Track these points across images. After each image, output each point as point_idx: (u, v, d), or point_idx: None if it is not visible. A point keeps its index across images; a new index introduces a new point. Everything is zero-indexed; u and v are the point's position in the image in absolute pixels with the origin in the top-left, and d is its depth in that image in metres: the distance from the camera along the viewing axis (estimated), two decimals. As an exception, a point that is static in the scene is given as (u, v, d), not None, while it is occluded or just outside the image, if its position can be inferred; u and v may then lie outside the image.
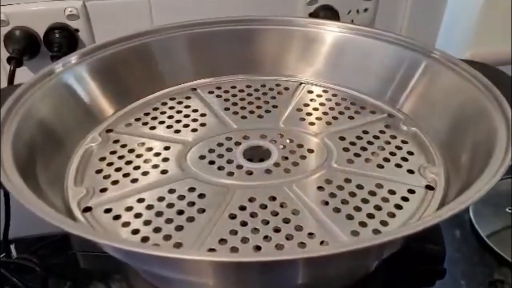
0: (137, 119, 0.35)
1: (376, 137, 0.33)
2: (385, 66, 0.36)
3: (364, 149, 0.32)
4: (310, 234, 0.26)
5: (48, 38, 0.51)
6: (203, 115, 0.35)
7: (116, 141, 0.33)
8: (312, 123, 0.35)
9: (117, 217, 0.27)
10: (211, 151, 0.32)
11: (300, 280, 0.23)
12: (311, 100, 0.37)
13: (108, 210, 0.27)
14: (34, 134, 0.29)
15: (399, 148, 0.32)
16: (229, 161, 0.31)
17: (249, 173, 0.30)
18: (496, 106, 0.28)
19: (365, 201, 0.28)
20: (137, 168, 0.31)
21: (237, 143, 0.32)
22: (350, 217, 0.27)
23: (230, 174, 0.30)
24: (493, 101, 0.29)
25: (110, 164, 0.31)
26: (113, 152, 0.32)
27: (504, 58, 0.60)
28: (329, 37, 0.38)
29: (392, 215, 0.27)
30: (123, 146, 0.32)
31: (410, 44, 0.35)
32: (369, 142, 0.33)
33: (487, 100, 0.29)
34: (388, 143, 0.33)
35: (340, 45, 0.38)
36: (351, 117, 0.35)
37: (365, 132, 0.34)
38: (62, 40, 0.50)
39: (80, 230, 0.21)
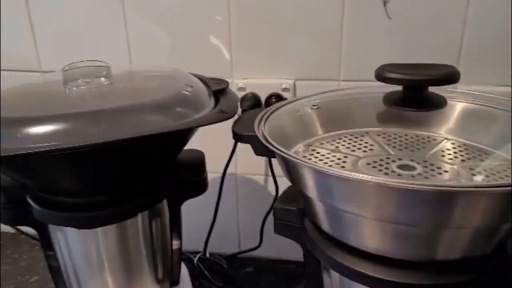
0: (328, 141, 0.53)
1: (498, 172, 0.46)
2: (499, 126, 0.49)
3: (487, 176, 0.45)
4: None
5: (267, 101, 0.75)
6: (371, 145, 0.52)
7: (313, 150, 0.52)
8: (450, 159, 0.49)
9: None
10: (374, 162, 0.48)
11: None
12: (453, 147, 0.51)
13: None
14: (273, 132, 0.49)
15: (516, 180, 0.44)
16: (386, 168, 0.47)
17: (399, 175, 0.45)
18: None
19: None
20: (325, 163, 0.48)
21: (393, 161, 0.48)
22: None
23: (386, 174, 0.46)
24: None
25: (309, 159, 0.49)
26: (311, 154, 0.51)
27: None
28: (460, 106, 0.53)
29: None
30: (318, 152, 0.51)
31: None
32: (492, 174, 0.45)
33: None
34: (507, 176, 0.45)
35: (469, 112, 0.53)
36: (481, 160, 0.49)
37: (490, 168, 0.46)
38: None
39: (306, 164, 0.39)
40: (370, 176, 0.36)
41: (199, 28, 0.74)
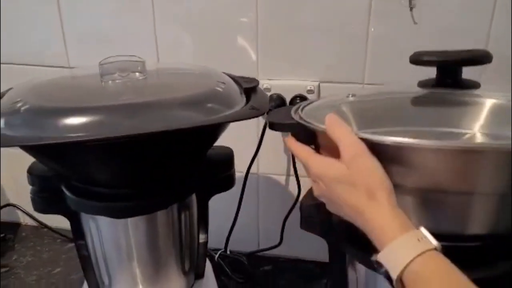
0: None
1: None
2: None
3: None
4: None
5: (292, 102, 0.76)
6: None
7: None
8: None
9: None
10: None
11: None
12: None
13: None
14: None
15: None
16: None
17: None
18: None
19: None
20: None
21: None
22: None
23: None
24: None
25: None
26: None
27: None
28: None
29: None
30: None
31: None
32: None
33: None
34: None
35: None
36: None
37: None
38: (301, 104, 0.74)
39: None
40: (404, 139, 0.38)
41: (226, 29, 0.76)
